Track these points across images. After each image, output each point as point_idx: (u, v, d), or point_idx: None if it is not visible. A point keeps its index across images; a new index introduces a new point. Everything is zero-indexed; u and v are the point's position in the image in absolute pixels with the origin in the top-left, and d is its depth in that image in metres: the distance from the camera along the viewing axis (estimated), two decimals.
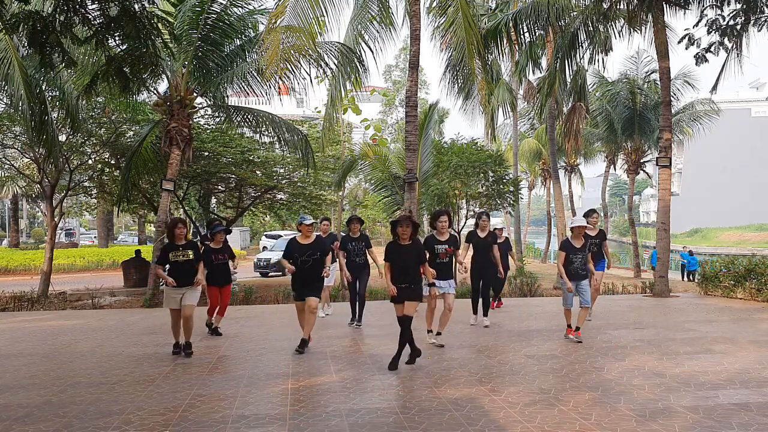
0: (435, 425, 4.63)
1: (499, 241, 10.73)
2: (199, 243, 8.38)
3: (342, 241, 9.56)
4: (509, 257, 11.59)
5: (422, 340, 7.64)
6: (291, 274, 7.42)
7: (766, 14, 12.64)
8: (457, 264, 7.79)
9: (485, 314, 9.34)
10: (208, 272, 8.12)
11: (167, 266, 7.30)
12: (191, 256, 7.27)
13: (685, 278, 24.97)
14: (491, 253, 9.10)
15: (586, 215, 9.48)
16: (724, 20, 12.86)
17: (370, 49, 14.61)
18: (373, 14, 14.67)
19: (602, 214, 37.68)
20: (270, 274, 24.48)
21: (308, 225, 7.45)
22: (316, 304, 7.44)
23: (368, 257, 9.42)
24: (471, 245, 9.10)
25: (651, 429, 4.49)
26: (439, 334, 7.83)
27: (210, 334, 8.82)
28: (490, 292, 9.87)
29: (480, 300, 9.31)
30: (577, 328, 8.07)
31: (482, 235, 9.08)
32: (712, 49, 13.07)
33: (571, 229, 8.03)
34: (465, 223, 20.47)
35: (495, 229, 11.36)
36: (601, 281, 10.38)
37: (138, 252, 19.91)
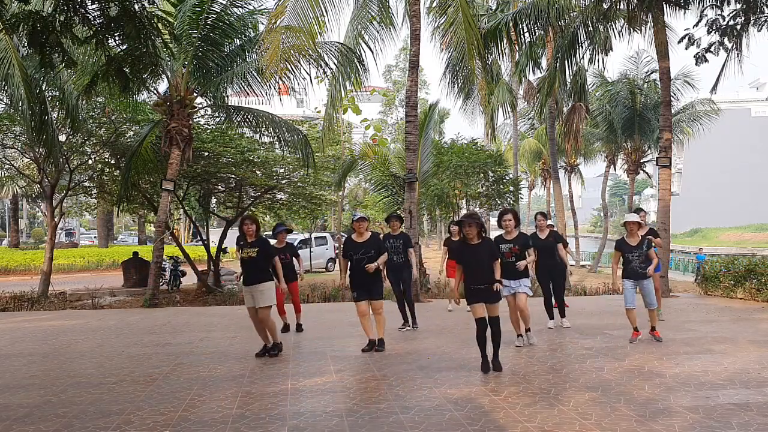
0: (435, 425, 4.63)
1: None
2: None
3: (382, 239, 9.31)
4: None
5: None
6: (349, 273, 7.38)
7: (766, 14, 12.64)
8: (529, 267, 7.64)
9: (562, 314, 9.15)
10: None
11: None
12: (254, 254, 7.11)
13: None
14: (556, 254, 8.93)
15: (636, 212, 9.27)
16: (724, 20, 12.85)
17: (370, 49, 14.62)
18: (373, 14, 14.68)
19: (602, 214, 37.78)
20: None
21: (357, 222, 7.37)
22: (382, 304, 7.41)
23: (409, 257, 8.97)
24: (533, 248, 8.70)
25: (651, 429, 4.49)
26: (528, 330, 7.70)
27: (297, 331, 9.00)
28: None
29: (552, 301, 9.06)
30: (653, 328, 7.96)
31: (542, 236, 8.87)
32: (712, 49, 13.07)
33: (624, 225, 7.85)
34: None
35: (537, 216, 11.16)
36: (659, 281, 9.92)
37: (135, 253, 19.91)
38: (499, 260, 6.66)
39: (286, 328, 9.06)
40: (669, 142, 14.36)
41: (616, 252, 7.99)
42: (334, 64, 13.64)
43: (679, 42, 13.59)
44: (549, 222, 9.55)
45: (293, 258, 8.96)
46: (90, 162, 18.05)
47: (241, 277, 7.32)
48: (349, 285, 7.55)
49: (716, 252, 40.12)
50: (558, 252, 8.94)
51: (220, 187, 19.19)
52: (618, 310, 11.26)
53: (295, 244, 27.36)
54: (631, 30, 15.27)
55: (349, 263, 7.44)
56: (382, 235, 8.97)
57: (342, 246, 7.47)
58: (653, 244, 8.54)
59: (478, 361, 6.85)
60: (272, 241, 8.54)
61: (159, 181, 15.23)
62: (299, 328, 9.10)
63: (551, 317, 9.06)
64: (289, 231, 9.12)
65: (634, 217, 7.86)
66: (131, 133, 17.28)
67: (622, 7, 14.92)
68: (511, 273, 7.35)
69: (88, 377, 6.40)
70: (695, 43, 13.22)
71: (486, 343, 6.27)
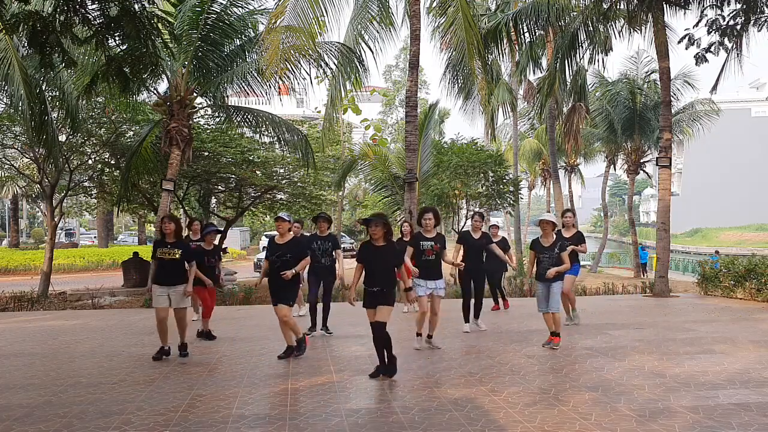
0: (435, 425, 4.63)
1: (495, 240, 10.73)
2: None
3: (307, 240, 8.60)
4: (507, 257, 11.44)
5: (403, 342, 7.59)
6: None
7: (766, 14, 12.64)
8: (455, 265, 7.54)
9: (476, 316, 8.97)
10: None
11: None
12: (178, 256, 7.00)
13: None
14: (494, 254, 8.89)
15: (565, 212, 9.11)
16: (724, 20, 12.84)
17: (370, 49, 14.62)
18: (373, 14, 14.68)
19: (602, 214, 37.79)
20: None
21: (276, 222, 7.03)
22: (286, 312, 6.94)
23: (336, 260, 8.68)
24: (462, 247, 8.60)
25: (651, 429, 4.49)
26: (430, 337, 7.58)
27: (203, 339, 8.42)
28: (484, 293, 9.56)
29: (472, 303, 8.81)
30: (552, 333, 7.52)
31: (476, 236, 8.67)
32: (712, 49, 13.06)
33: (538, 223, 7.49)
34: (465, 222, 20.47)
35: (491, 226, 11.37)
36: (573, 286, 9.48)
37: (135, 254, 19.90)
38: (416, 258, 6.80)
39: (204, 335, 8.51)
40: (669, 142, 14.36)
41: (531, 251, 7.76)
42: (334, 64, 13.64)
43: (679, 42, 13.59)
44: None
45: (218, 262, 8.42)
46: (90, 162, 18.06)
47: (155, 277, 7.05)
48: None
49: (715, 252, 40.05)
50: (494, 252, 8.95)
51: (220, 187, 19.21)
52: (618, 310, 11.28)
53: None
54: (631, 30, 15.27)
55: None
56: (308, 236, 8.73)
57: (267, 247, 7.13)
58: (571, 248, 8.03)
59: (479, 361, 6.86)
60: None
61: (159, 181, 15.23)
62: (209, 335, 8.49)
63: (467, 320, 8.78)
64: (219, 231, 8.60)
65: (549, 216, 7.51)
66: (131, 133, 17.28)
67: (622, 7, 14.92)
68: (429, 273, 7.23)
69: (88, 377, 6.40)
70: (695, 43, 13.21)
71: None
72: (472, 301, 8.80)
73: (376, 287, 5.97)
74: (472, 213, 9.42)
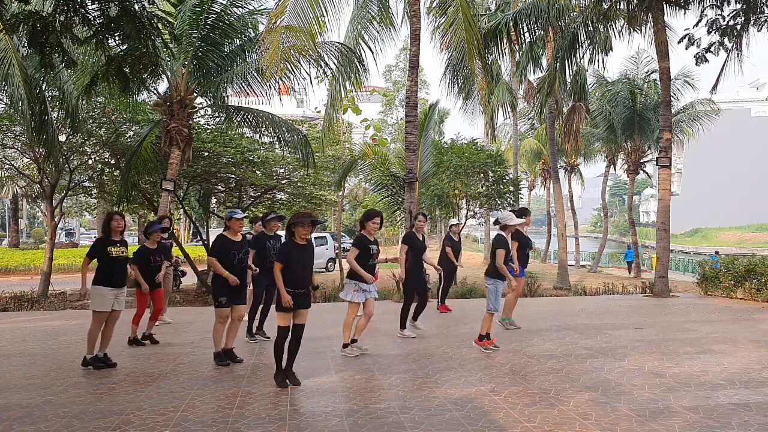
0: (435, 425, 4.63)
1: (455, 239, 10.79)
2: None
3: (258, 239, 8.32)
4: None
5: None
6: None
7: (766, 14, 12.64)
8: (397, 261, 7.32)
9: (415, 318, 8.76)
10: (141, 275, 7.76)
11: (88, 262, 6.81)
12: (130, 255, 6.86)
13: None
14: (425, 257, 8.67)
15: (521, 214, 8.64)
16: (724, 20, 12.85)
17: (370, 49, 14.61)
18: (373, 14, 14.68)
19: (602, 214, 37.78)
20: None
21: (239, 219, 6.85)
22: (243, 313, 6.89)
23: None
24: (408, 248, 8.37)
25: (651, 429, 4.49)
26: (354, 341, 7.25)
27: (133, 345, 8.07)
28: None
29: (410, 308, 8.57)
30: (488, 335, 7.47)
31: (420, 237, 8.52)
32: (712, 49, 13.06)
33: (504, 227, 7.43)
34: (465, 223, 20.48)
35: (451, 225, 11.42)
36: (522, 289, 9.57)
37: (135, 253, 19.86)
38: (362, 262, 6.83)
39: (134, 342, 8.25)
40: (669, 142, 14.36)
41: (501, 251, 7.47)
42: (334, 64, 13.62)
43: (679, 42, 13.60)
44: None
45: (164, 261, 8.26)
46: (90, 162, 18.05)
47: (103, 278, 6.71)
48: (215, 288, 6.92)
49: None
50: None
51: (220, 187, 19.20)
52: (618, 310, 11.28)
53: None
54: (631, 30, 15.27)
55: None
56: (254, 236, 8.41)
57: (217, 244, 6.83)
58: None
59: (479, 361, 6.85)
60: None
61: (159, 181, 15.23)
62: (152, 338, 8.27)
63: (403, 326, 8.48)
64: (165, 230, 8.31)
65: (516, 221, 7.50)
66: (131, 133, 17.28)
67: (622, 7, 14.92)
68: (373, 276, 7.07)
69: (88, 377, 6.40)
70: (695, 43, 13.22)
71: (284, 354, 5.85)
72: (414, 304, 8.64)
73: (303, 288, 5.79)
74: (416, 213, 9.19)
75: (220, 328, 6.83)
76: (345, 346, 7.22)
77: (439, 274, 10.44)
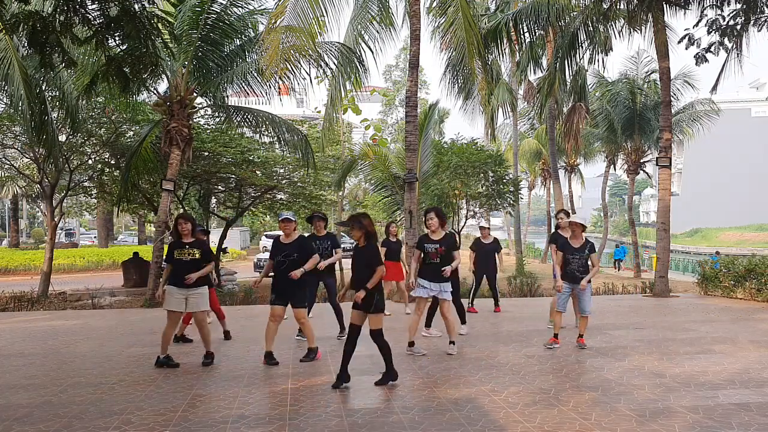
0: (435, 425, 4.63)
1: (486, 242, 10.90)
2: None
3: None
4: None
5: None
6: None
7: (766, 14, 12.64)
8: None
9: (428, 324, 8.65)
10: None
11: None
12: (198, 255, 6.85)
13: None
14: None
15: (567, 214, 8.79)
16: (724, 20, 12.85)
17: (370, 49, 14.61)
18: (373, 14, 14.68)
19: (602, 214, 37.78)
20: (270, 274, 24.45)
21: (282, 222, 6.87)
22: (302, 314, 6.85)
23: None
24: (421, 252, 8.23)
25: (651, 429, 4.49)
26: (452, 343, 7.32)
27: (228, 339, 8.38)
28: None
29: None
30: (581, 335, 7.67)
31: (435, 238, 8.41)
32: (712, 49, 13.06)
33: (570, 225, 7.54)
34: (465, 222, 20.48)
35: (480, 227, 11.46)
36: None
37: (135, 254, 19.90)
38: (421, 261, 6.91)
39: (227, 335, 8.49)
40: (669, 142, 14.36)
41: (559, 252, 7.69)
42: (334, 64, 13.63)
43: (679, 42, 13.59)
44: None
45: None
46: (90, 162, 18.05)
47: (171, 279, 6.76)
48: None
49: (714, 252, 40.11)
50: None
51: (220, 187, 19.20)
52: (618, 310, 11.28)
53: None
54: (631, 30, 15.26)
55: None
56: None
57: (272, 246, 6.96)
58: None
59: (479, 361, 6.86)
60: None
61: (159, 181, 15.23)
62: (183, 338, 8.35)
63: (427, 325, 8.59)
64: (205, 232, 8.19)
65: (578, 218, 7.67)
66: (131, 133, 17.28)
67: (622, 7, 14.92)
68: (435, 275, 7.03)
69: (88, 377, 6.40)
70: (695, 43, 13.21)
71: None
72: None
73: (357, 289, 5.84)
74: (424, 210, 9.16)
75: (270, 326, 6.86)
76: (411, 344, 7.32)
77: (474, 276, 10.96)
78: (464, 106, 21.51)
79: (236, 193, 19.00)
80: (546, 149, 31.88)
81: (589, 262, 7.52)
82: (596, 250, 7.62)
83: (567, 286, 7.57)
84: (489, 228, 11.41)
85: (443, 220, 7.22)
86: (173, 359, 6.89)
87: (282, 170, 19.11)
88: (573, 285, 7.51)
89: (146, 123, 16.04)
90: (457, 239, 7.96)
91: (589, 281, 7.47)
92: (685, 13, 14.29)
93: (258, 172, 17.72)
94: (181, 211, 20.40)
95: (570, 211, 9.22)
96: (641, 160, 28.41)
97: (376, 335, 5.83)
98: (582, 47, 16.19)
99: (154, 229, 19.55)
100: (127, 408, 5.19)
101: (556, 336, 7.65)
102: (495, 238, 11.07)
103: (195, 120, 16.16)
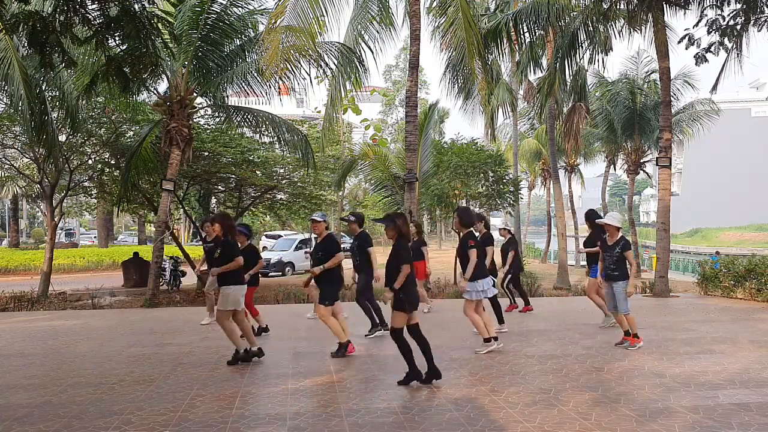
0: (435, 425, 4.63)
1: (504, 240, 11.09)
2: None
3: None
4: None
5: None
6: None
7: (766, 14, 12.63)
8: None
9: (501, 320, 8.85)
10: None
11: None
12: (216, 254, 6.93)
13: None
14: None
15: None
16: (724, 20, 12.84)
17: (370, 49, 14.63)
18: (373, 14, 14.69)
19: (602, 215, 37.75)
20: (270, 274, 24.47)
21: (312, 221, 7.39)
22: (323, 311, 6.93)
23: (371, 259, 8.37)
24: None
25: (651, 429, 4.49)
26: (490, 339, 7.33)
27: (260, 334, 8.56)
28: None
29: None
30: (628, 333, 7.54)
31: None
32: (712, 49, 13.06)
33: (605, 225, 7.52)
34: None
35: (499, 229, 11.56)
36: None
37: (135, 254, 19.90)
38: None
39: (261, 330, 8.71)
40: (669, 142, 14.36)
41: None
42: (334, 64, 13.64)
43: (679, 42, 13.59)
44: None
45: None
46: (90, 162, 18.05)
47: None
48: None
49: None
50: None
51: (220, 187, 19.22)
52: None
53: (295, 244, 27.38)
54: (631, 30, 15.26)
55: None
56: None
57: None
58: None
59: (479, 361, 6.86)
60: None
61: (159, 181, 15.23)
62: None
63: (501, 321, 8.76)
64: (169, 229, 8.34)
65: (615, 221, 7.57)
66: (131, 133, 17.28)
67: (622, 7, 14.92)
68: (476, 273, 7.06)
69: (88, 377, 6.40)
70: (695, 43, 13.21)
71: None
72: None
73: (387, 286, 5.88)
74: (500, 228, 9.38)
75: (333, 323, 7.05)
76: (486, 340, 7.28)
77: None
78: (464, 106, 21.48)
79: (236, 193, 19.01)
80: (546, 149, 31.86)
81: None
82: (630, 247, 7.60)
83: (605, 285, 7.69)
84: (506, 229, 11.44)
85: (460, 221, 7.27)
86: (262, 350, 7.09)
87: (282, 170, 19.13)
88: (608, 282, 7.58)
89: (146, 123, 16.04)
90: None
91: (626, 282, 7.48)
92: (685, 13, 14.30)
93: (258, 172, 17.73)
94: (181, 211, 20.43)
95: (485, 216, 9.64)
96: (641, 160, 28.39)
97: (395, 334, 5.78)
98: (582, 47, 16.18)
99: (154, 229, 19.56)
100: (127, 408, 5.19)
101: (636, 336, 7.50)
102: (511, 237, 11.11)
103: (195, 120, 16.16)
